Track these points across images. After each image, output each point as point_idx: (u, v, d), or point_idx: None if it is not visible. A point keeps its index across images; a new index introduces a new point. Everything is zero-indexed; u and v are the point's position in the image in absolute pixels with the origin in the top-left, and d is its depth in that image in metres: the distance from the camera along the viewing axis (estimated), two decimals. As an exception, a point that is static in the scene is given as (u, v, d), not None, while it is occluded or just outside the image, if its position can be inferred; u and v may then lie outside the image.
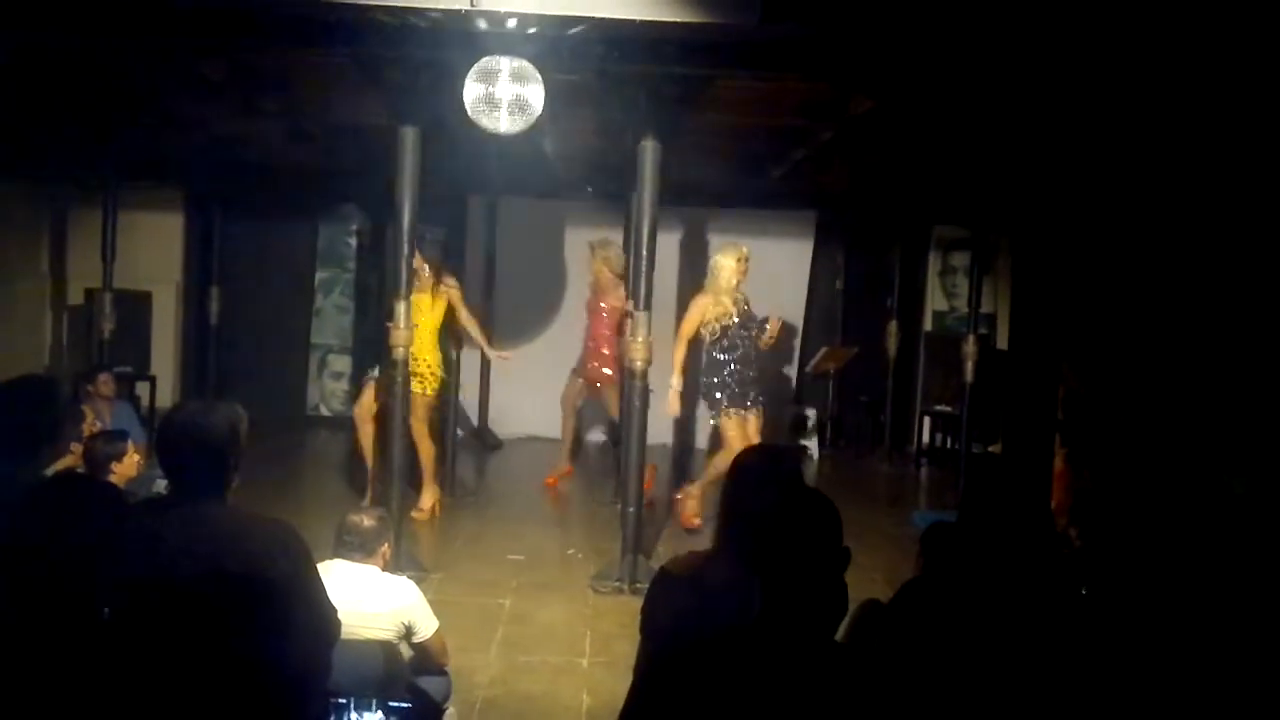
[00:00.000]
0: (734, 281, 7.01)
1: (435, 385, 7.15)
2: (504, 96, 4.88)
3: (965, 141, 6.92)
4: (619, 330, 8.11)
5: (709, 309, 7.03)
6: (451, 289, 7.24)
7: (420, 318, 6.78)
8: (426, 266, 7.04)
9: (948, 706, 2.57)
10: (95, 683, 1.94)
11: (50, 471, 3.65)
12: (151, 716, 1.73)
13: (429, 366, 7.07)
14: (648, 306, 6.08)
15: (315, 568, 3.01)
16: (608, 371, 8.24)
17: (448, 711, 4.10)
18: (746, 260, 7.08)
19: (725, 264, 7.02)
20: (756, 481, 3.01)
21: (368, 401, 7.25)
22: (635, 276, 6.18)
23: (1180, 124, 5.24)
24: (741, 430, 6.97)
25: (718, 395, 7.00)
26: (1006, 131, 6.24)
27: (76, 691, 1.94)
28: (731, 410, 6.97)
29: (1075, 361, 5.90)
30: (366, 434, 7.27)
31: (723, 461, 6.98)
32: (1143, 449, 5.33)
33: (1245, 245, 5.19)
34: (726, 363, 6.99)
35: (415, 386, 6.78)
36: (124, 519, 2.14)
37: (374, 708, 2.24)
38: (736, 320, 7.03)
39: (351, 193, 10.70)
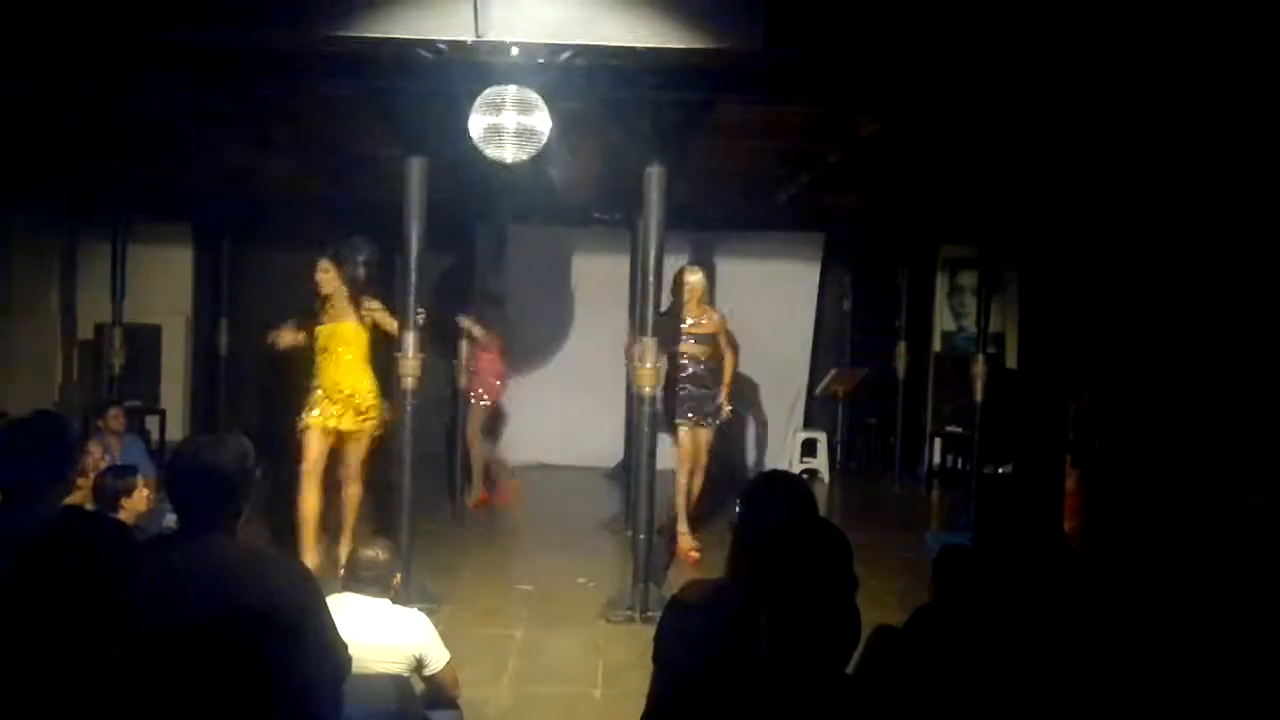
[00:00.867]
0: (695, 295, 7.27)
1: (378, 418, 6.39)
2: (509, 126, 4.89)
3: (972, 161, 6.93)
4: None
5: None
6: (374, 310, 6.47)
7: (344, 348, 6.35)
8: (342, 289, 6.48)
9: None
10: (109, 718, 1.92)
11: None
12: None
13: (370, 400, 6.34)
14: (656, 333, 6.09)
15: (325, 602, 2.99)
16: (483, 393, 8.60)
17: (461, 745, 4.07)
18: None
19: (691, 279, 7.26)
20: (767, 510, 2.99)
21: (316, 457, 6.28)
22: (642, 304, 6.18)
23: (1188, 142, 5.24)
24: (692, 443, 7.25)
25: (674, 407, 7.22)
26: (1013, 151, 6.25)
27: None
28: (687, 422, 7.23)
29: (1086, 379, 5.88)
30: (314, 496, 6.27)
31: (682, 476, 7.29)
32: (1157, 466, 5.29)
33: (1254, 261, 5.17)
34: (690, 375, 7.23)
35: (356, 423, 6.28)
36: (133, 556, 2.13)
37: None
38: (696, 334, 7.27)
39: (360, 224, 10.72)
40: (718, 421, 7.41)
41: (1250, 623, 4.08)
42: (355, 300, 6.46)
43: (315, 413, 6.31)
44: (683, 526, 7.25)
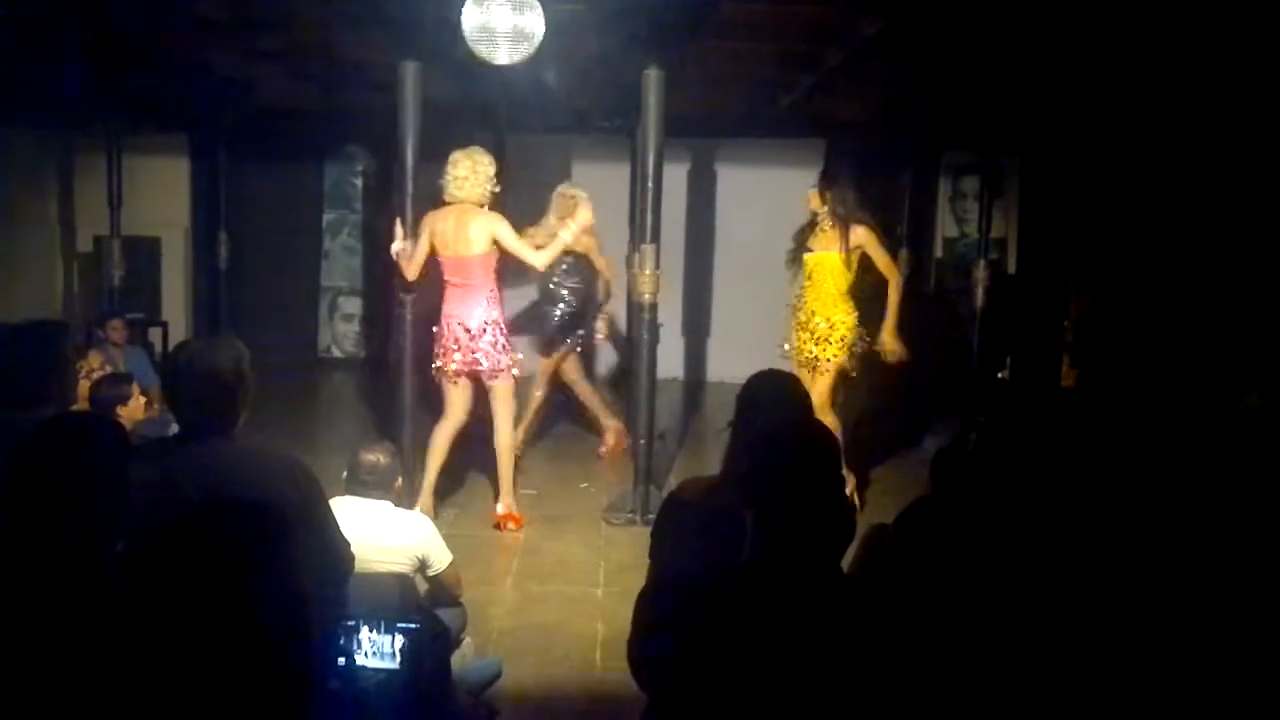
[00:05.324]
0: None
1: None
2: (502, 26, 4.81)
3: (974, 64, 6.81)
4: None
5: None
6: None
7: None
8: None
9: (954, 628, 2.59)
10: (111, 614, 1.97)
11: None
12: (162, 647, 1.76)
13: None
14: (655, 239, 6.06)
15: (326, 501, 3.04)
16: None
17: (465, 641, 4.16)
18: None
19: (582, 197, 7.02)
20: (760, 409, 3.01)
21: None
22: (642, 210, 6.14)
23: (1190, 46, 5.15)
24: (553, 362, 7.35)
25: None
26: (1016, 54, 6.14)
27: (90, 621, 1.96)
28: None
29: (1084, 283, 5.85)
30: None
31: (536, 390, 7.35)
32: (1154, 368, 5.30)
33: (1254, 166, 5.12)
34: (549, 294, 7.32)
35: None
36: (127, 453, 2.15)
37: (383, 629, 2.27)
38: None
39: (356, 133, 10.62)
40: (577, 343, 7.41)
41: (1245, 523, 4.12)
42: None
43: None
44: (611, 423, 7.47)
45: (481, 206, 5.70)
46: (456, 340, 5.72)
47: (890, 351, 6.12)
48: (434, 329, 5.87)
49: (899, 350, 6.11)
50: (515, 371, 5.86)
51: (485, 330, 5.70)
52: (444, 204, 5.74)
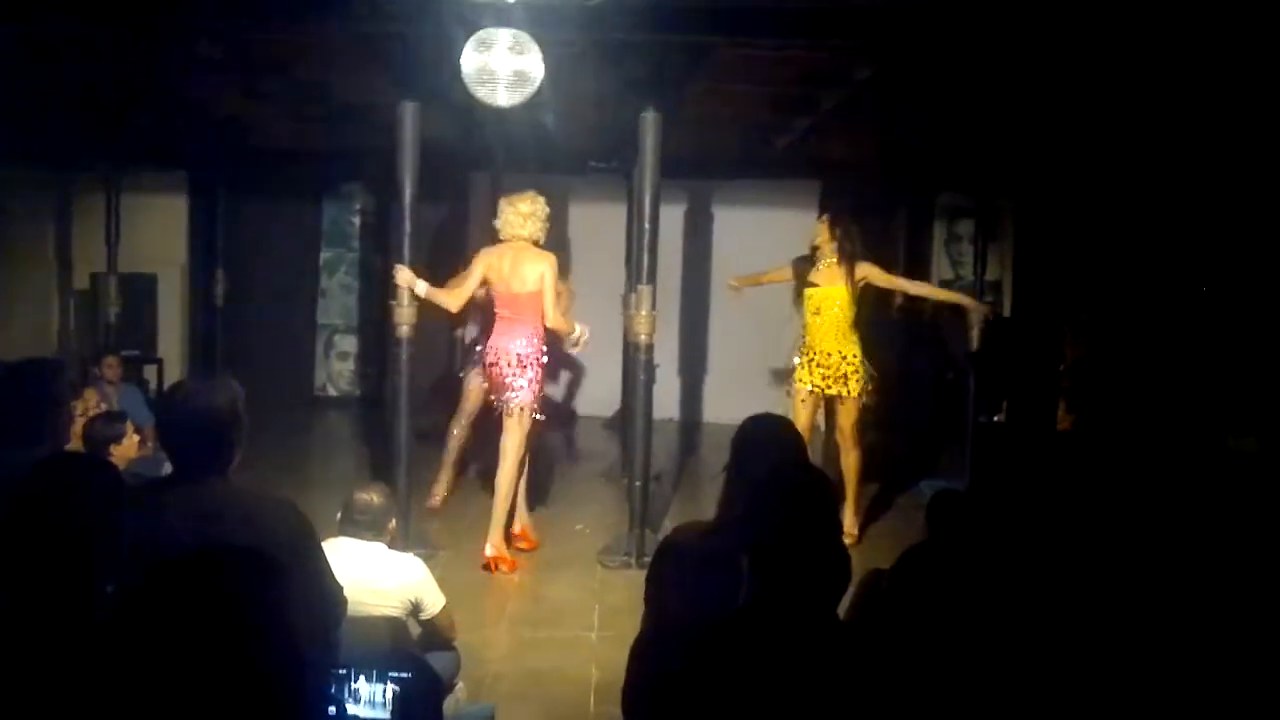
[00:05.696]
0: None
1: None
2: (502, 69, 4.84)
3: (969, 108, 6.87)
4: None
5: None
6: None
7: None
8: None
9: (952, 675, 2.57)
10: (97, 656, 1.94)
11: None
12: (152, 688, 1.74)
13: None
14: (651, 280, 6.08)
15: (319, 544, 3.02)
16: None
17: (458, 686, 4.12)
18: None
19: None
20: (756, 455, 3.01)
21: None
22: (639, 250, 6.16)
23: (1181, 87, 5.19)
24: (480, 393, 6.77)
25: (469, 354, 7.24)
26: (1010, 97, 6.20)
27: (78, 664, 1.94)
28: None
29: (1079, 327, 5.87)
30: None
31: (455, 426, 7.03)
32: (1149, 413, 5.30)
33: (1251, 208, 5.15)
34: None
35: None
36: (120, 494, 2.14)
37: (374, 678, 2.25)
38: None
39: (354, 172, 10.68)
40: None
41: (1242, 567, 4.10)
42: None
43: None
44: (441, 489, 7.00)
45: (536, 245, 5.96)
46: (502, 371, 5.91)
47: (978, 308, 7.00)
48: (484, 363, 6.13)
49: (981, 305, 7.02)
50: (537, 414, 5.99)
51: (522, 360, 5.88)
52: (497, 241, 6.00)
